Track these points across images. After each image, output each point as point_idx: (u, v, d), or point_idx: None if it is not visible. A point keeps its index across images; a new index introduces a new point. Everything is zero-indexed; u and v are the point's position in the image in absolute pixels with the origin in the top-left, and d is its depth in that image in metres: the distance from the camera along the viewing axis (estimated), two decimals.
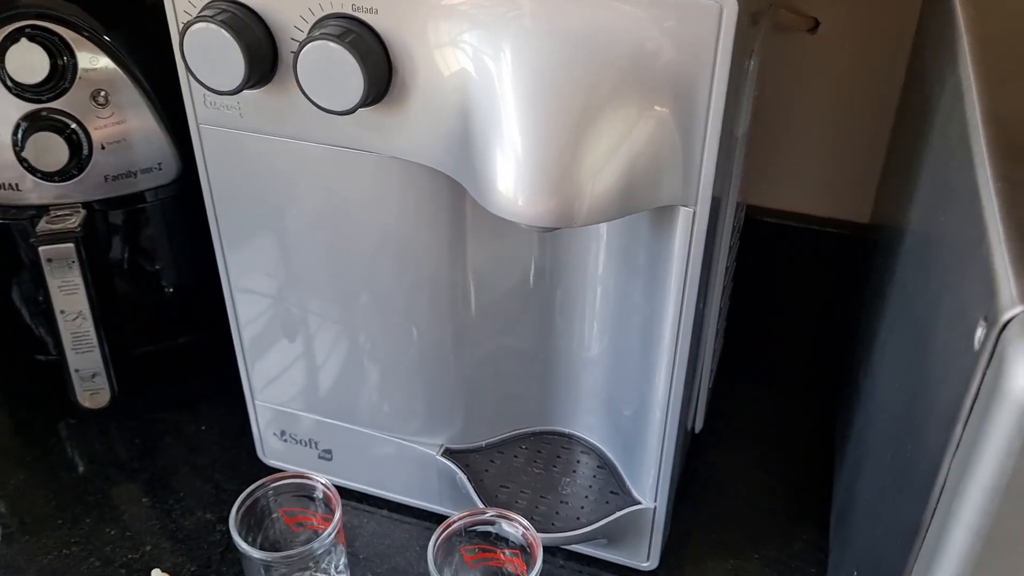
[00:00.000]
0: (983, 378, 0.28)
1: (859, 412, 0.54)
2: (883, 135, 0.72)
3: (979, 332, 0.28)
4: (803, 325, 0.81)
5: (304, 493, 0.56)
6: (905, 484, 0.38)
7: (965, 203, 0.35)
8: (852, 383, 0.59)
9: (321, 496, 0.55)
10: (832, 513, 0.60)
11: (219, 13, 0.45)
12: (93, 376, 0.66)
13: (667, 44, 0.41)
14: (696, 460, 0.67)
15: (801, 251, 0.79)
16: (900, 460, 0.40)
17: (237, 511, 0.53)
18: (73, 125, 0.62)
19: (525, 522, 0.51)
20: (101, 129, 0.63)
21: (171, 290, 0.72)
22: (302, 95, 0.45)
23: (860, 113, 0.73)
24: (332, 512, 0.54)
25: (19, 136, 0.62)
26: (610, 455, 0.60)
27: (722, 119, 0.42)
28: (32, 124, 0.62)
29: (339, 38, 0.43)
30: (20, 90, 0.61)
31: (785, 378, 0.76)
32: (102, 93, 0.63)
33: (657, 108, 0.42)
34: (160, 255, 0.71)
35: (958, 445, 0.29)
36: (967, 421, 0.29)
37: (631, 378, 0.54)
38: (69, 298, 0.63)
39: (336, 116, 0.46)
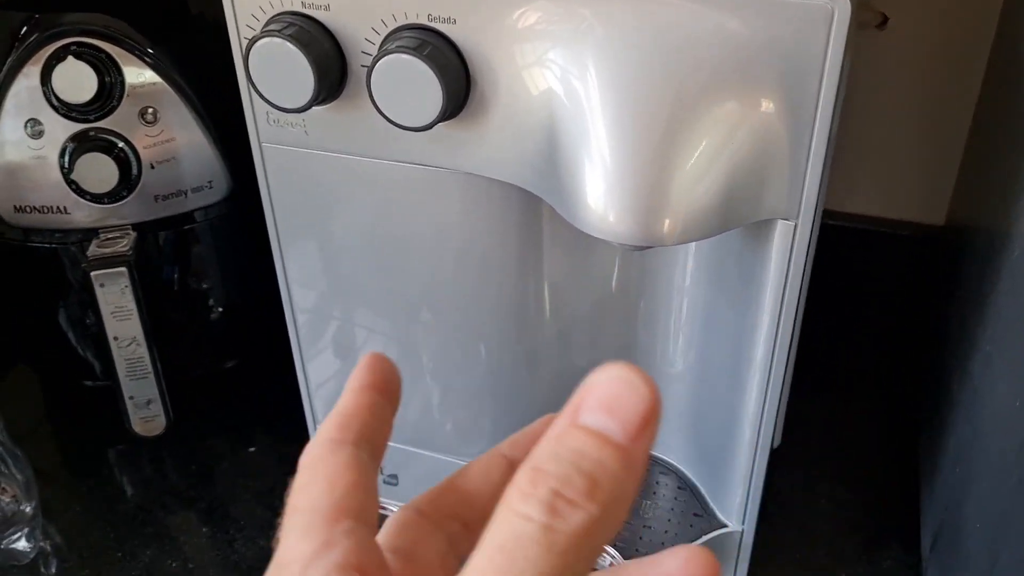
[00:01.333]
0: None
1: (958, 428, 0.52)
2: (959, 134, 0.69)
3: None
4: (877, 332, 0.78)
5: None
6: None
7: None
8: (944, 395, 0.57)
9: None
10: (925, 531, 0.57)
11: (286, 27, 0.43)
12: (148, 403, 0.64)
13: (771, 47, 0.38)
14: (774, 476, 0.64)
15: (872, 254, 0.76)
16: None
17: None
18: (121, 144, 0.60)
19: (612, 551, 0.49)
20: (150, 148, 0.61)
21: (221, 312, 0.70)
22: (373, 111, 0.43)
23: (932, 112, 0.70)
24: None
25: (67, 158, 0.60)
26: (691, 476, 0.57)
27: (829, 128, 0.39)
28: (80, 145, 0.60)
29: (416, 51, 0.41)
30: (67, 110, 0.59)
31: (860, 388, 0.74)
32: (150, 110, 0.61)
33: (758, 117, 0.39)
34: (211, 276, 0.69)
35: None
36: None
37: (718, 395, 0.52)
38: (122, 324, 0.61)
39: (410, 132, 0.44)
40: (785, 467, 0.65)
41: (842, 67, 0.39)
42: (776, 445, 0.62)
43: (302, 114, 0.47)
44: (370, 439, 0.26)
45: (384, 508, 0.53)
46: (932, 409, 0.59)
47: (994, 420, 0.45)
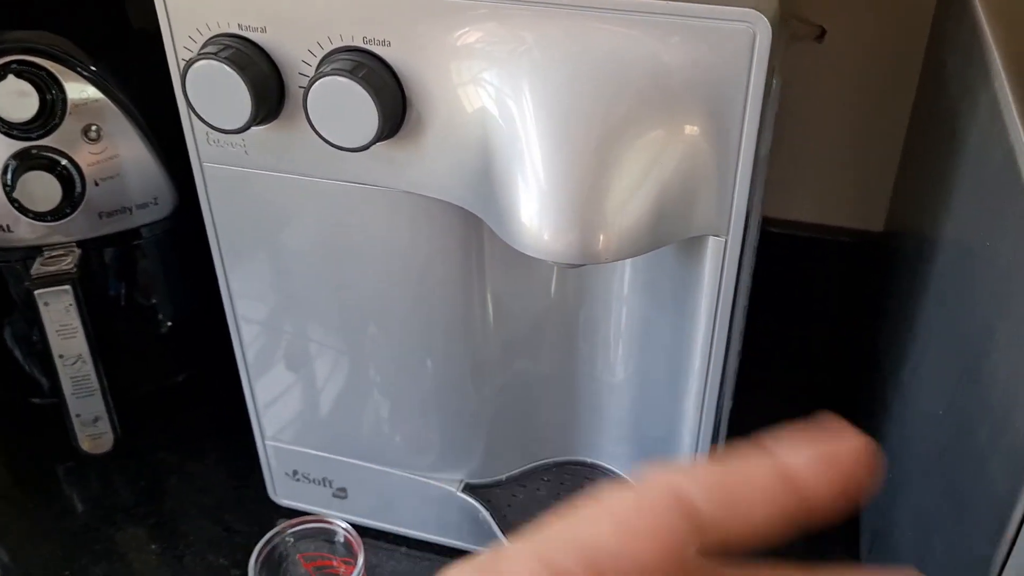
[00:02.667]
0: None
1: (891, 434, 0.53)
2: (895, 143, 0.71)
3: None
4: (818, 338, 0.80)
5: (324, 537, 0.54)
6: (964, 518, 0.37)
7: (1018, 232, 0.34)
8: (878, 401, 0.58)
9: (342, 540, 0.53)
10: (863, 533, 0.59)
11: (222, 49, 0.43)
12: (95, 420, 0.64)
13: (696, 70, 0.39)
14: None
15: (812, 261, 0.78)
16: (954, 493, 0.39)
17: (256, 560, 0.52)
18: (64, 162, 0.60)
19: None
20: (94, 165, 0.61)
21: (169, 326, 0.70)
22: (311, 131, 0.44)
23: (869, 121, 0.72)
24: (354, 556, 0.52)
25: (9, 176, 0.59)
26: None
27: (755, 147, 0.40)
28: (22, 163, 0.59)
29: (351, 73, 0.41)
30: (8, 128, 0.59)
31: (801, 394, 0.75)
32: (93, 127, 0.60)
33: (686, 138, 0.41)
34: (158, 291, 0.69)
35: None
36: None
37: (659, 403, 0.53)
38: (68, 342, 0.61)
39: (349, 153, 0.44)
40: None
41: (766, 88, 0.40)
42: (720, 451, 0.64)
43: (242, 134, 0.47)
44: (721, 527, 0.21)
45: (331, 523, 0.54)
46: (869, 414, 0.60)
47: (920, 427, 0.46)
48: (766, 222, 0.77)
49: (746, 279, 0.55)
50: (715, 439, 0.59)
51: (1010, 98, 0.38)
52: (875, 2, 0.68)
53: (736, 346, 0.58)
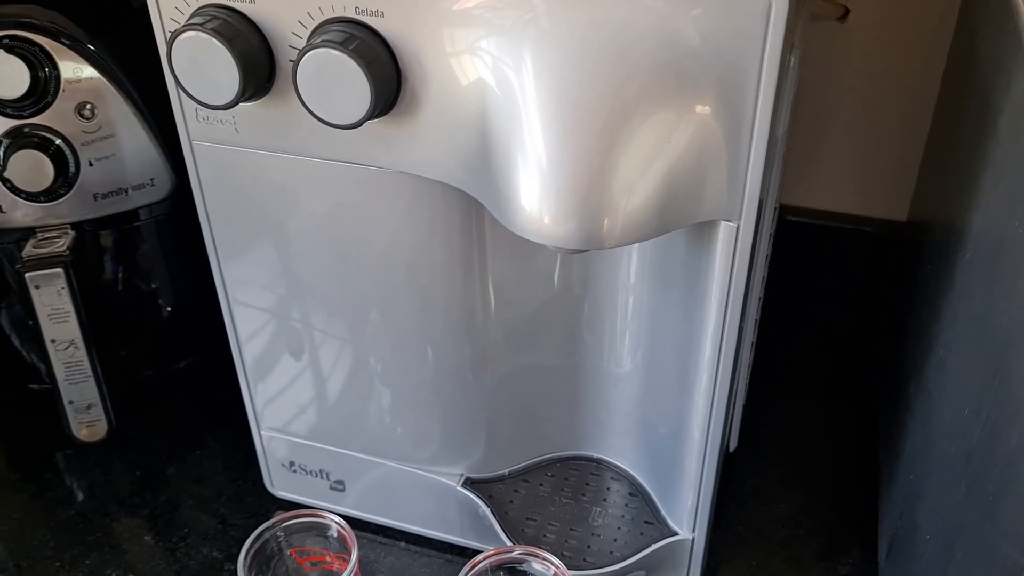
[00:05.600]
0: None
1: (913, 433, 0.50)
2: (920, 129, 0.67)
3: None
4: (839, 330, 0.77)
5: (317, 532, 0.52)
6: (993, 526, 0.34)
7: None
8: (901, 398, 0.55)
9: (335, 535, 0.51)
10: (882, 537, 0.56)
11: (209, 20, 0.41)
12: (88, 407, 0.62)
13: (708, 43, 0.36)
14: (731, 479, 0.63)
15: (833, 251, 0.75)
16: (982, 499, 0.36)
17: (246, 555, 0.50)
18: (58, 141, 0.58)
19: (556, 561, 0.48)
20: (88, 144, 0.59)
21: (169, 311, 0.69)
22: (302, 108, 0.41)
23: (893, 105, 0.69)
24: (348, 551, 0.50)
25: (0, 155, 0.58)
26: (642, 481, 0.56)
27: (770, 124, 0.38)
28: (14, 142, 0.57)
29: (342, 45, 0.39)
30: (0, 106, 0.57)
31: (821, 388, 0.72)
32: (88, 106, 0.59)
33: (697, 114, 0.38)
34: (157, 275, 0.67)
35: None
36: None
37: (667, 395, 0.50)
38: (60, 326, 0.59)
39: (341, 130, 0.42)
40: (742, 470, 0.64)
41: (782, 63, 0.37)
42: (733, 448, 0.61)
43: (231, 111, 0.45)
44: None
45: (324, 517, 0.52)
46: (891, 412, 0.57)
47: (945, 427, 0.44)
48: (784, 210, 0.74)
49: (760, 268, 0.52)
50: (726, 435, 0.57)
51: None
52: None
53: (750, 338, 0.55)
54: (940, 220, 0.55)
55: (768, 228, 0.52)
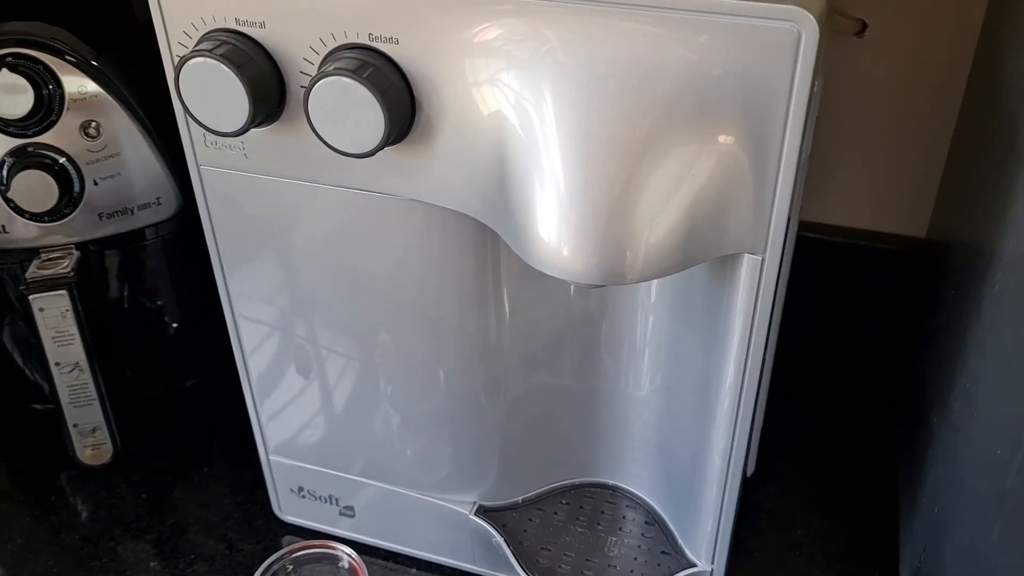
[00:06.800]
0: None
1: (937, 464, 0.49)
2: (941, 143, 0.66)
3: None
4: (856, 349, 0.76)
5: (328, 562, 0.51)
6: None
7: None
8: (923, 426, 0.54)
9: (347, 567, 0.50)
10: (903, 565, 0.55)
11: (218, 46, 0.40)
12: (93, 431, 0.61)
13: (734, 74, 0.35)
14: (748, 503, 0.62)
15: (850, 268, 0.73)
16: (1018, 545, 0.35)
17: None
18: (62, 160, 0.57)
19: None
20: (93, 163, 0.58)
21: (175, 331, 0.67)
22: (314, 135, 0.40)
23: (913, 120, 0.68)
24: None
25: (4, 175, 0.57)
26: (660, 510, 0.55)
27: (797, 157, 0.37)
28: (18, 161, 0.56)
29: (355, 72, 0.38)
30: (3, 125, 0.56)
31: (839, 410, 0.71)
32: (93, 124, 0.57)
33: (720, 146, 0.37)
34: (162, 294, 0.66)
35: None
36: None
37: (687, 421, 0.49)
38: (64, 349, 0.58)
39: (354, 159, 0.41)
40: (759, 494, 0.62)
41: (811, 92, 0.36)
42: (751, 473, 0.60)
43: (240, 137, 0.44)
44: None
45: (334, 549, 0.51)
46: (911, 439, 0.56)
47: (974, 464, 0.42)
48: (802, 227, 0.73)
49: (781, 292, 0.51)
50: (745, 463, 0.56)
51: None
52: None
53: (771, 363, 0.54)
54: (963, 242, 0.54)
55: (789, 252, 0.51)
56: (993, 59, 0.55)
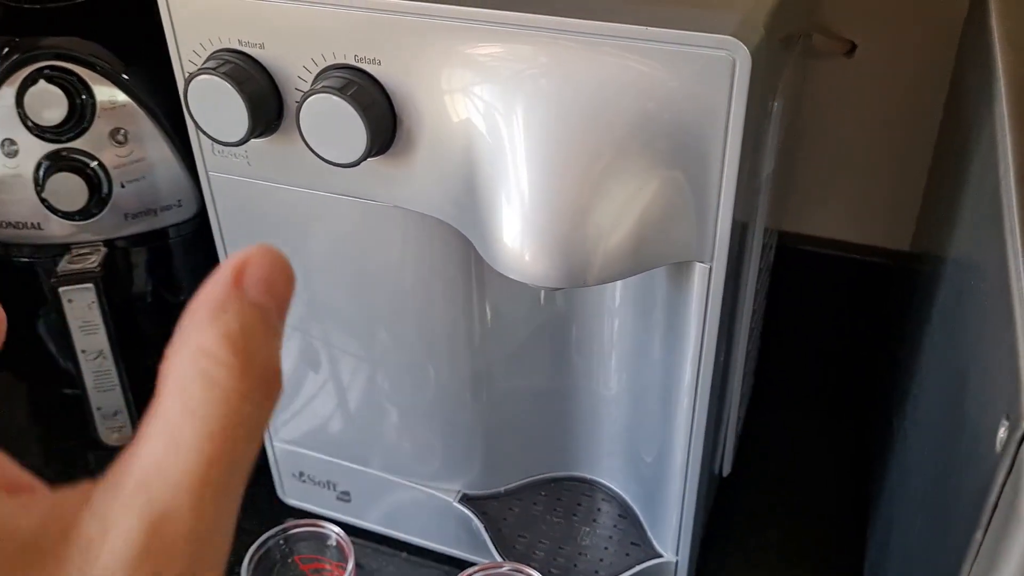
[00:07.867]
0: (1002, 489, 0.25)
1: (892, 466, 0.52)
2: (923, 159, 0.69)
3: (1001, 432, 0.26)
4: (841, 360, 0.78)
5: (318, 540, 0.55)
6: (932, 565, 0.36)
7: (995, 277, 0.33)
8: (888, 431, 0.57)
9: (334, 544, 0.54)
10: (867, 566, 0.57)
11: (222, 64, 0.45)
12: (115, 414, 0.66)
13: (676, 98, 0.39)
14: (724, 504, 0.65)
15: (836, 279, 0.76)
16: (928, 534, 0.38)
17: (250, 562, 0.53)
18: (93, 164, 0.62)
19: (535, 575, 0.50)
20: (121, 167, 0.63)
21: None
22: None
23: (899, 137, 0.70)
24: (345, 560, 0.53)
25: (40, 176, 0.62)
26: (631, 503, 0.58)
27: (737, 175, 0.40)
28: (52, 164, 0.62)
29: (340, 91, 0.42)
30: (40, 131, 0.61)
31: (819, 415, 0.74)
32: (121, 131, 0.62)
33: (668, 164, 0.40)
34: (183, 289, 0.71)
35: (977, 554, 0.27)
36: (986, 531, 0.26)
37: (651, 418, 0.52)
38: (89, 337, 0.63)
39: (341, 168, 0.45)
40: (736, 494, 0.65)
41: (762, 111, 0.39)
42: (727, 474, 0.63)
43: (243, 146, 0.48)
44: None
45: (323, 527, 0.55)
46: (879, 442, 0.59)
47: (912, 465, 0.45)
48: (788, 238, 0.76)
49: (749, 301, 0.54)
50: (718, 460, 0.59)
51: (1007, 131, 0.37)
52: (905, 18, 0.66)
53: (742, 366, 0.57)
54: (929, 253, 0.56)
55: (757, 263, 0.53)
56: (961, 80, 0.57)
